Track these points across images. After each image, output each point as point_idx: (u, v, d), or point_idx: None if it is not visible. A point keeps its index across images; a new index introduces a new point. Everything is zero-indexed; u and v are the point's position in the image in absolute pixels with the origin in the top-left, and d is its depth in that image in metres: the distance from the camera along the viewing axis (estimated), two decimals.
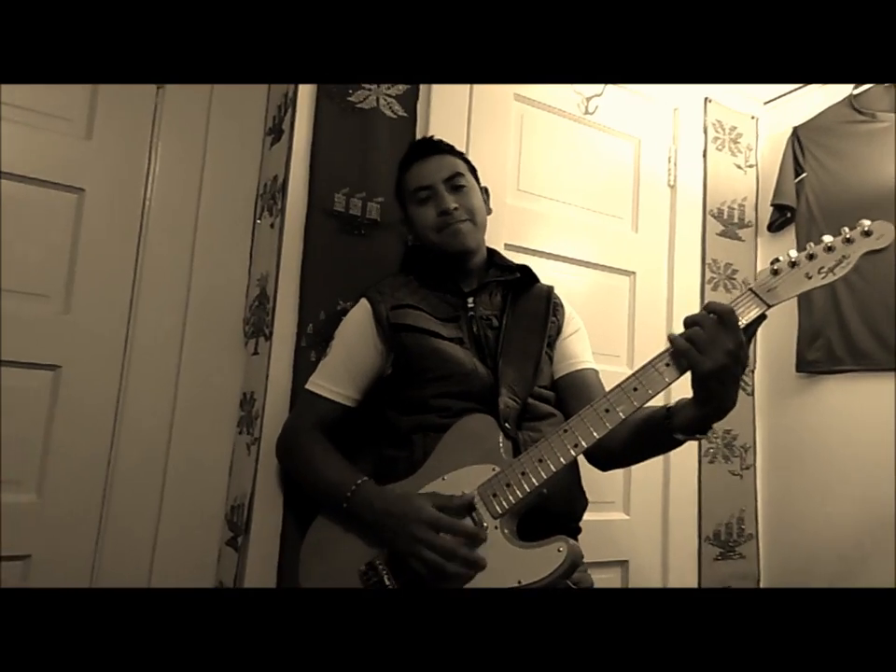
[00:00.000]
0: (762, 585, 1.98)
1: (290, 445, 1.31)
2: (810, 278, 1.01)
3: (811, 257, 1.01)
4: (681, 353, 0.99)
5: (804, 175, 1.98)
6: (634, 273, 1.88)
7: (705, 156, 2.02)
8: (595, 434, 1.03)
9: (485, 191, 1.41)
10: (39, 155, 1.39)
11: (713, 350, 0.96)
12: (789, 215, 2.00)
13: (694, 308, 1.94)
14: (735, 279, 2.02)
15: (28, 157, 1.38)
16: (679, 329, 1.87)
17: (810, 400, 1.94)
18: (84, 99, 1.45)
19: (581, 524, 1.28)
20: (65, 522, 1.37)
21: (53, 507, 1.36)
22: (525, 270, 1.38)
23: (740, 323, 1.00)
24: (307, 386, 1.31)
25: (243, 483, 1.42)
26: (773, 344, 2.03)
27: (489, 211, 1.40)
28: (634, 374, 1.04)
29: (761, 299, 1.01)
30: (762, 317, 1.02)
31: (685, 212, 1.98)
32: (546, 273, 1.71)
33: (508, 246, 1.68)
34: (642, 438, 1.14)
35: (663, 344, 1.86)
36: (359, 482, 1.16)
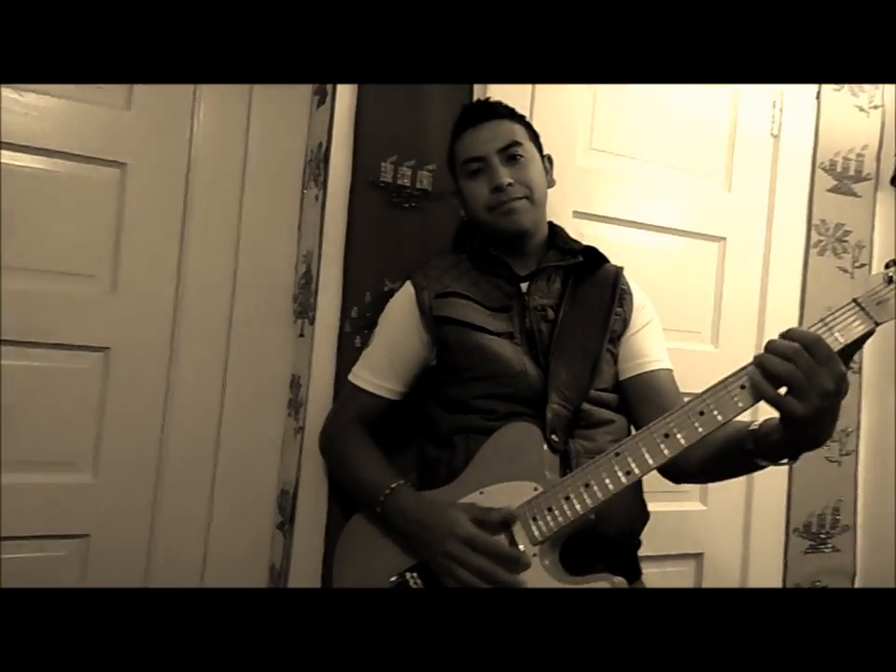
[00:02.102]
0: (857, 582, 1.80)
1: (330, 440, 1.26)
2: None
3: None
4: (771, 401, 0.83)
5: None
6: (724, 238, 1.67)
7: (818, 98, 1.74)
8: (650, 462, 0.90)
9: (548, 160, 1.25)
10: (78, 129, 1.33)
11: (809, 393, 0.80)
12: None
13: (795, 277, 1.73)
14: (846, 241, 1.76)
15: (67, 131, 1.32)
16: (773, 300, 1.71)
17: None
18: None
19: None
20: (121, 501, 1.37)
21: (108, 487, 1.37)
22: (590, 252, 1.22)
23: (839, 341, 0.83)
24: (349, 378, 1.24)
25: (290, 470, 1.38)
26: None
27: (552, 183, 1.24)
28: (702, 395, 0.89)
29: (867, 313, 0.83)
30: (868, 334, 0.84)
31: (790, 166, 1.72)
32: (620, 241, 1.55)
33: (577, 214, 1.51)
34: (719, 460, 1.00)
35: (753, 320, 1.70)
36: (393, 486, 1.09)
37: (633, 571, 1.12)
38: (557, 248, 1.23)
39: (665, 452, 0.89)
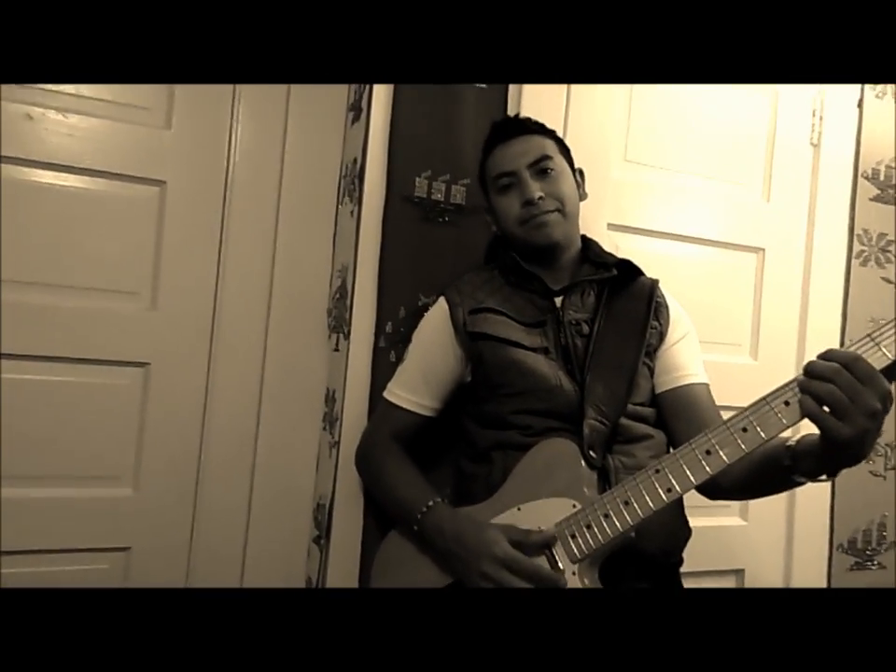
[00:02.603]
0: None
1: (366, 457, 1.26)
2: None
3: None
4: (813, 419, 0.81)
5: None
6: (762, 249, 1.64)
7: (860, 106, 1.70)
8: (692, 479, 0.89)
9: (580, 174, 1.24)
10: (120, 148, 1.37)
11: (853, 413, 0.78)
12: None
13: (837, 288, 1.69)
14: (889, 251, 1.72)
15: (109, 151, 1.36)
16: (815, 312, 1.67)
17: None
18: (163, 86, 1.41)
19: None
20: (161, 514, 1.39)
21: (149, 500, 1.39)
22: (625, 265, 1.21)
23: (887, 356, 0.81)
24: (384, 395, 1.24)
25: (325, 484, 1.39)
26: None
27: (584, 196, 1.24)
28: (745, 411, 0.87)
29: None
30: None
31: (831, 175, 1.68)
32: (657, 253, 1.53)
33: (611, 226, 1.50)
34: (756, 476, 0.98)
35: (793, 332, 1.67)
36: (431, 503, 1.08)
37: (674, 589, 1.11)
38: (591, 262, 1.22)
39: (707, 469, 0.88)
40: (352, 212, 1.41)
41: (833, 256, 1.69)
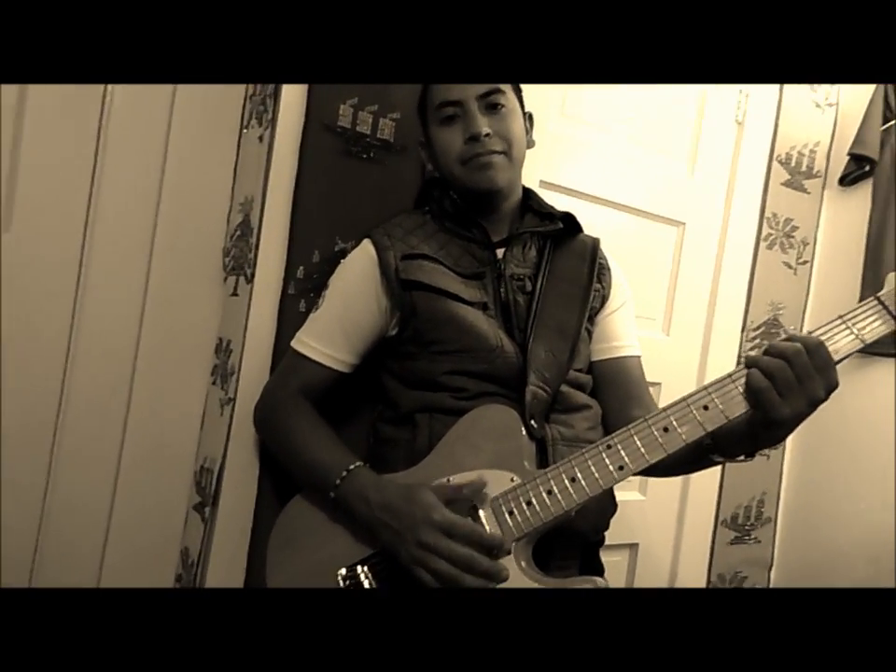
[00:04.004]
0: (773, 573, 1.84)
1: (270, 415, 1.09)
2: None
3: None
4: (755, 391, 0.79)
5: (893, 122, 1.68)
6: (683, 223, 1.62)
7: (781, 88, 1.71)
8: (646, 457, 0.83)
9: (529, 118, 1.13)
10: None
11: (797, 396, 0.78)
12: (867, 168, 1.72)
13: (745, 269, 1.71)
14: (794, 237, 1.76)
15: None
16: (723, 292, 1.68)
17: (862, 383, 1.71)
18: None
19: None
20: (9, 469, 1.17)
21: None
22: (569, 219, 1.13)
23: (858, 338, 0.78)
24: (293, 345, 1.09)
25: (214, 445, 1.22)
26: (826, 314, 1.79)
27: (531, 143, 1.13)
28: (706, 388, 0.82)
29: (889, 311, 0.79)
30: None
31: (751, 155, 1.69)
32: (583, 217, 1.45)
33: (543, 184, 1.41)
34: (678, 456, 0.93)
35: (703, 311, 1.67)
36: (352, 467, 0.95)
37: (597, 568, 1.06)
38: (534, 212, 1.12)
39: (665, 447, 0.82)
40: (261, 137, 1.22)
41: (744, 237, 1.70)
